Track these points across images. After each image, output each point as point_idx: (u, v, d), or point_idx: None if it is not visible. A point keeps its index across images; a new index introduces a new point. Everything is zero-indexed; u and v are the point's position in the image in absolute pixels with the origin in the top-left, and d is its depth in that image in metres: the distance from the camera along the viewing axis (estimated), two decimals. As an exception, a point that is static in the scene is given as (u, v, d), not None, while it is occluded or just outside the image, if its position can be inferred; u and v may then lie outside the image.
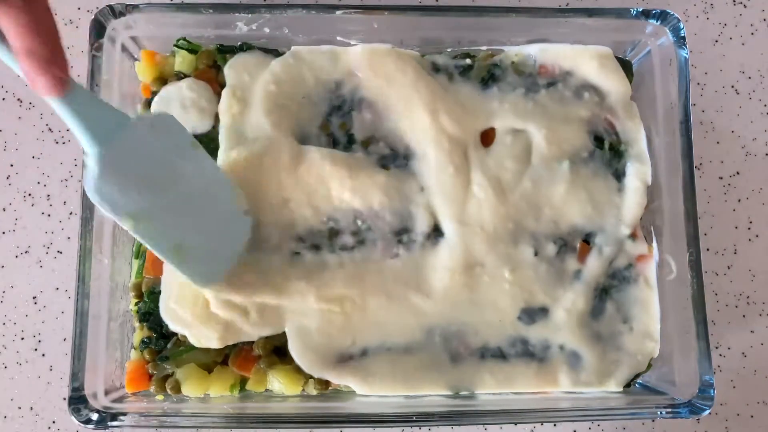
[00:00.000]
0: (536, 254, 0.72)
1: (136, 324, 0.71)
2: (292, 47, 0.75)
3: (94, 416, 0.65)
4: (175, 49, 0.75)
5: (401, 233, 0.72)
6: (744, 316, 0.83)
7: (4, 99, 0.83)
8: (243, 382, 0.70)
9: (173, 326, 0.68)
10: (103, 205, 0.59)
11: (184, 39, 0.74)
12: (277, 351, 0.70)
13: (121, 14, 0.70)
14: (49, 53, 0.50)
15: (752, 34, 0.88)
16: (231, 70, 0.73)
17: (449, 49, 0.77)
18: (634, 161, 0.74)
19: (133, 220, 0.61)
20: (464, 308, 0.71)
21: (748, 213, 0.85)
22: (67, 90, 0.53)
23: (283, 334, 0.69)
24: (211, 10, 0.71)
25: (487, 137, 0.74)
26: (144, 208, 0.61)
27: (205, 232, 0.66)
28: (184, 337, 0.69)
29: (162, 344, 0.70)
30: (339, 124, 0.74)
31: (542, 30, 0.75)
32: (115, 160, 0.59)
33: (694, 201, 0.71)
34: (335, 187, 0.71)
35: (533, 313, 0.72)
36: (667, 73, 0.73)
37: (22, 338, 0.79)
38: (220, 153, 0.71)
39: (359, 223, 0.72)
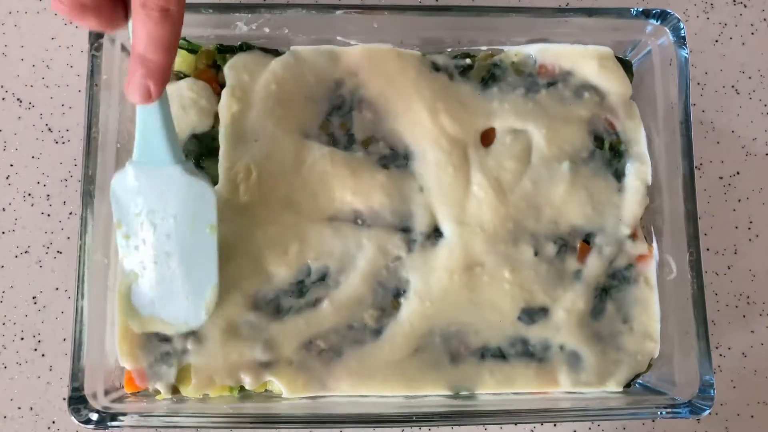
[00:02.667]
0: (536, 254, 0.72)
1: (136, 324, 0.71)
2: (292, 47, 0.75)
3: (94, 416, 0.65)
4: (175, 48, 0.75)
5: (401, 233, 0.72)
6: (744, 316, 0.83)
7: (4, 99, 0.83)
8: (243, 382, 0.70)
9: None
10: (112, 194, 0.65)
11: (184, 39, 0.74)
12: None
13: (121, 14, 0.70)
14: (156, 68, 0.56)
15: (752, 34, 0.88)
16: (231, 70, 0.73)
17: (449, 49, 0.76)
18: (634, 161, 0.74)
19: (119, 225, 0.66)
20: (464, 308, 0.71)
21: (748, 213, 0.85)
22: (147, 103, 0.58)
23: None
24: (211, 10, 0.71)
25: (487, 137, 0.74)
26: (130, 226, 0.66)
27: (161, 288, 0.67)
28: (184, 337, 0.69)
29: (162, 344, 0.70)
30: (339, 124, 0.74)
31: (542, 30, 0.75)
32: (140, 178, 0.65)
33: (694, 201, 0.71)
34: (337, 187, 0.71)
35: (533, 313, 0.72)
36: (667, 73, 0.73)
37: (22, 338, 0.79)
38: (221, 154, 0.71)
39: (359, 223, 0.72)
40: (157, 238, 0.66)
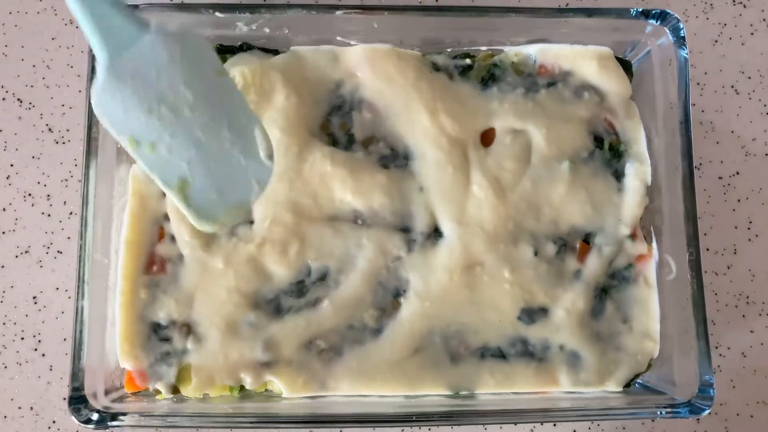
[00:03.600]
0: (536, 254, 0.72)
1: (136, 324, 0.71)
2: (292, 47, 0.75)
3: (94, 416, 0.65)
4: (175, 48, 0.74)
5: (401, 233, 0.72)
6: (744, 316, 0.83)
7: (4, 99, 0.83)
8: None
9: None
10: (103, 119, 0.55)
11: (184, 39, 0.74)
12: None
13: (121, 14, 0.70)
14: None
15: (752, 34, 0.88)
16: (231, 69, 0.73)
17: (449, 49, 0.77)
18: (633, 161, 0.75)
19: (136, 143, 0.56)
20: (464, 308, 0.71)
21: (748, 213, 0.85)
22: None
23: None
24: (211, 10, 0.71)
25: (486, 137, 0.74)
26: (150, 131, 0.56)
27: (217, 168, 0.60)
28: (184, 337, 0.69)
29: (162, 344, 0.70)
30: (339, 124, 0.74)
31: (542, 30, 0.75)
32: (126, 73, 0.54)
33: (693, 201, 0.71)
34: (337, 187, 0.71)
35: (533, 313, 0.72)
36: (667, 73, 0.73)
37: (22, 338, 0.79)
38: None
39: (359, 223, 0.72)
40: (180, 122, 0.57)
